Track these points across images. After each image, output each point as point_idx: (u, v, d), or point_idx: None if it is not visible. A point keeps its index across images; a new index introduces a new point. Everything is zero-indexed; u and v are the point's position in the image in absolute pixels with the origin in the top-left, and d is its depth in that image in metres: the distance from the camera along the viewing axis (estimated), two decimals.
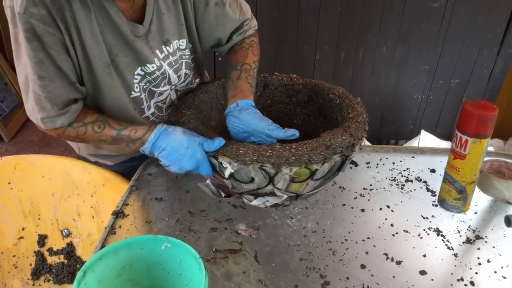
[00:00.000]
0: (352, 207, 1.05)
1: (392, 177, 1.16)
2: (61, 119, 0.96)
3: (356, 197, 1.08)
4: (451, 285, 0.84)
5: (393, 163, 1.22)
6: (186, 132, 0.95)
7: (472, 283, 0.84)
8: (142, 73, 1.06)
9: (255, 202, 0.99)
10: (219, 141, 0.91)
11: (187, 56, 1.13)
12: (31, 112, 0.97)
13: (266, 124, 0.94)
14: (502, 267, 0.88)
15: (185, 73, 1.15)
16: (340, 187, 1.11)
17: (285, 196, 0.96)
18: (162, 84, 1.12)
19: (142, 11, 1.00)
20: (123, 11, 0.96)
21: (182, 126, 0.99)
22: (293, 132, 0.94)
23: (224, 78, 1.19)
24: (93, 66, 0.96)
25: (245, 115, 0.97)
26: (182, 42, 1.09)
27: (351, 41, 2.55)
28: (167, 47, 1.07)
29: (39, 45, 0.87)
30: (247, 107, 0.99)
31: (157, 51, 1.05)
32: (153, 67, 1.06)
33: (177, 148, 0.93)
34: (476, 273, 0.87)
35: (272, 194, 0.95)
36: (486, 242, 0.95)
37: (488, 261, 0.90)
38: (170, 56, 1.08)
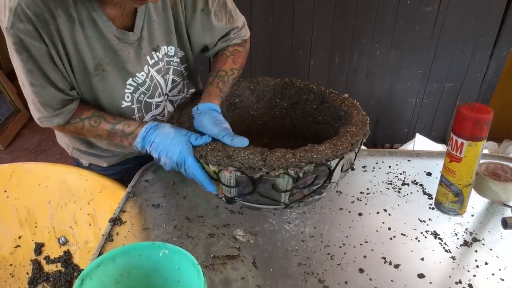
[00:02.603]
0: (349, 211, 1.05)
1: (388, 181, 1.16)
2: (57, 118, 1.03)
3: (353, 201, 1.09)
4: None
5: (390, 166, 1.22)
6: (174, 126, 0.99)
7: (470, 286, 0.84)
8: (135, 84, 1.08)
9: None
10: (207, 137, 0.93)
11: (176, 64, 1.15)
12: (32, 111, 1.04)
13: (218, 130, 0.94)
14: (499, 269, 0.88)
15: (173, 79, 1.16)
16: (337, 191, 1.12)
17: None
18: (157, 95, 1.14)
19: (133, 17, 1.02)
20: (113, 19, 0.99)
21: None
22: (241, 141, 0.91)
23: None
24: (76, 76, 1.01)
25: (203, 119, 0.98)
26: (171, 48, 1.11)
27: (345, 45, 2.56)
28: (157, 53, 1.09)
29: (28, 56, 0.93)
30: (206, 111, 1.00)
31: (148, 58, 1.07)
32: (142, 75, 1.08)
33: (164, 138, 0.96)
34: (474, 275, 0.87)
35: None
36: (483, 244, 0.95)
37: (486, 263, 0.90)
38: (160, 62, 1.10)
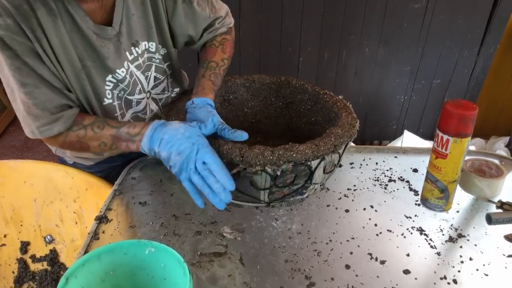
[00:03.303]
0: (336, 208, 1.05)
1: (375, 177, 1.17)
2: (57, 125, 0.95)
3: (340, 198, 1.09)
4: (434, 283, 0.85)
5: (376, 163, 1.23)
6: (182, 122, 0.94)
7: (455, 281, 0.85)
8: (114, 80, 1.05)
9: None
10: (212, 122, 0.92)
11: (158, 60, 1.13)
12: (27, 125, 0.96)
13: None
14: (484, 265, 0.89)
15: (155, 77, 1.14)
16: (324, 188, 1.12)
17: None
18: (137, 92, 1.12)
19: (111, 12, 1.00)
20: (91, 13, 0.95)
21: None
22: (240, 134, 0.92)
23: None
24: (65, 72, 0.96)
25: (198, 113, 0.97)
26: (152, 44, 1.09)
27: (334, 42, 2.57)
28: (136, 48, 1.07)
29: (13, 54, 0.87)
30: (201, 105, 0.99)
31: (127, 53, 1.05)
32: (122, 71, 1.05)
33: (174, 133, 0.90)
34: (459, 271, 0.88)
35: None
36: (468, 240, 0.96)
37: (471, 259, 0.91)
38: (139, 58, 1.08)
